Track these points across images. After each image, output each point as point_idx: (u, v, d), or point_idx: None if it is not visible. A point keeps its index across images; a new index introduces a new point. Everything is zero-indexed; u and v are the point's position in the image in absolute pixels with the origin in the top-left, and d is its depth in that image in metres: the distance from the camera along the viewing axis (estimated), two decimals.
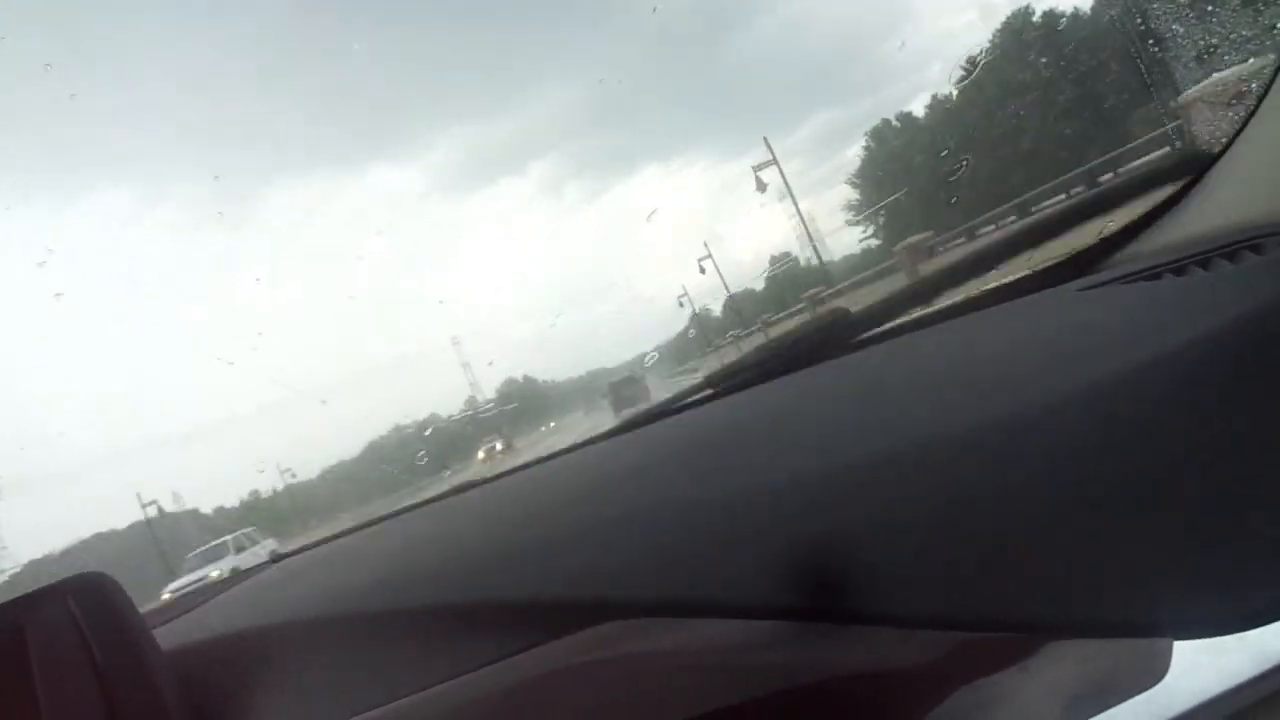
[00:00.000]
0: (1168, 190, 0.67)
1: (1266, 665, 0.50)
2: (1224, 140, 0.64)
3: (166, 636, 0.58)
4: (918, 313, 0.70)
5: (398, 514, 0.75)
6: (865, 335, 0.70)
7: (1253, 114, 0.61)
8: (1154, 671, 0.51)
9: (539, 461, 0.74)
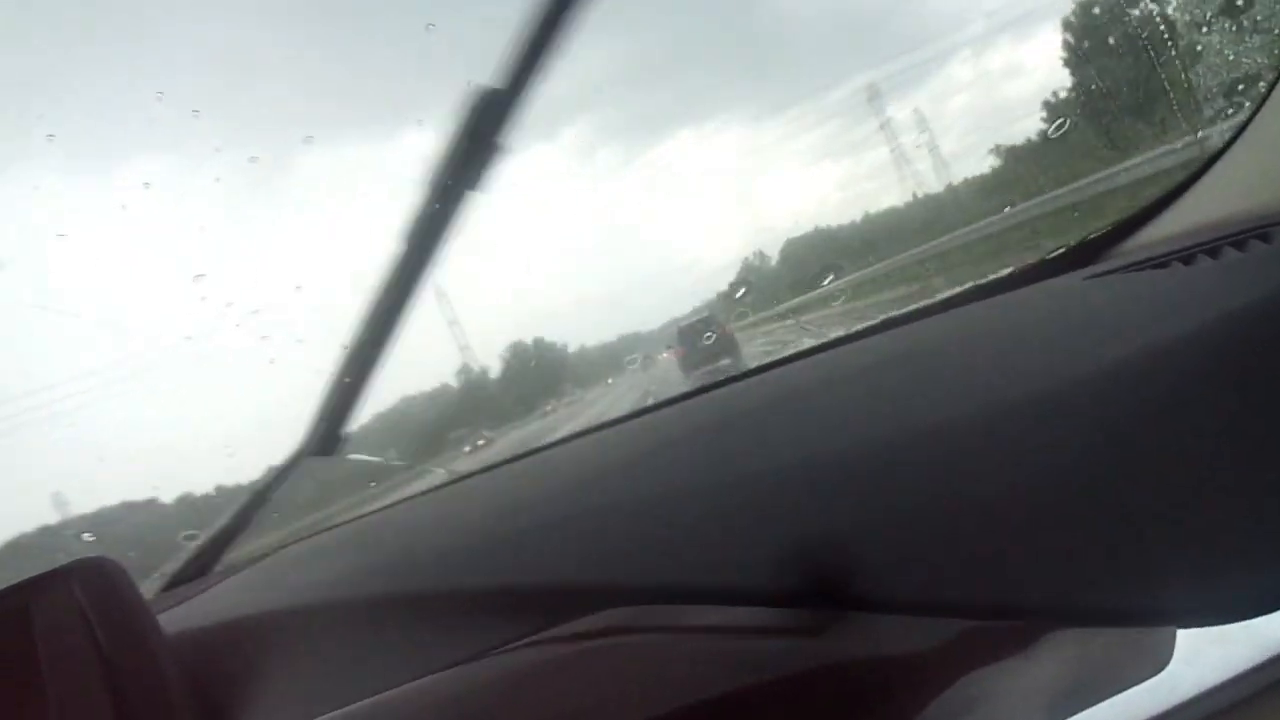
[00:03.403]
0: (1176, 179, 0.67)
1: (1270, 654, 0.50)
2: (1232, 131, 0.63)
3: (170, 621, 0.58)
4: (925, 301, 0.70)
5: (400, 502, 0.76)
6: (872, 323, 0.70)
7: (1262, 104, 0.61)
8: (1156, 660, 0.51)
9: (543, 449, 0.74)
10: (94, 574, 0.51)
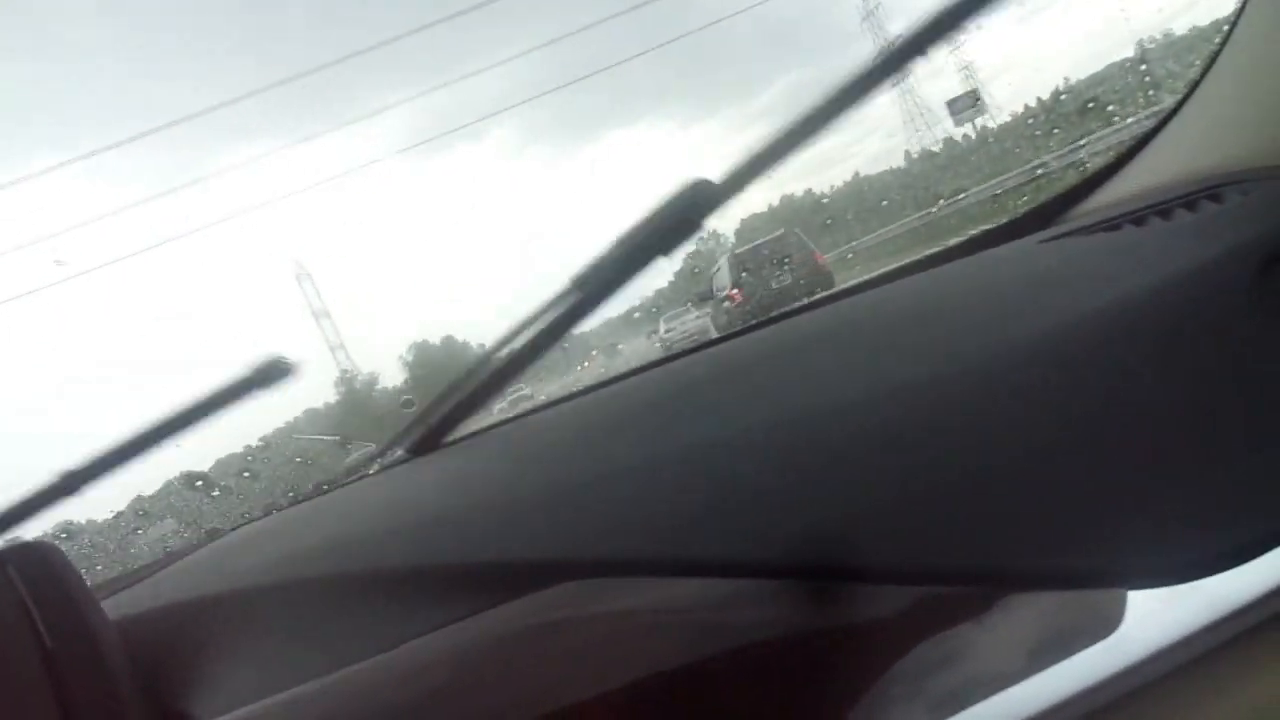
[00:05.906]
0: (1128, 143, 0.67)
1: (1220, 613, 0.50)
2: (1182, 94, 0.63)
3: (115, 607, 0.57)
4: (882, 269, 0.70)
5: (354, 480, 0.74)
6: (831, 291, 0.69)
7: (1208, 68, 0.61)
8: (1109, 621, 0.51)
9: (498, 425, 0.73)
10: (31, 559, 0.50)
